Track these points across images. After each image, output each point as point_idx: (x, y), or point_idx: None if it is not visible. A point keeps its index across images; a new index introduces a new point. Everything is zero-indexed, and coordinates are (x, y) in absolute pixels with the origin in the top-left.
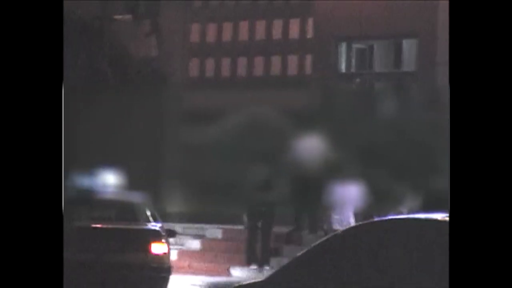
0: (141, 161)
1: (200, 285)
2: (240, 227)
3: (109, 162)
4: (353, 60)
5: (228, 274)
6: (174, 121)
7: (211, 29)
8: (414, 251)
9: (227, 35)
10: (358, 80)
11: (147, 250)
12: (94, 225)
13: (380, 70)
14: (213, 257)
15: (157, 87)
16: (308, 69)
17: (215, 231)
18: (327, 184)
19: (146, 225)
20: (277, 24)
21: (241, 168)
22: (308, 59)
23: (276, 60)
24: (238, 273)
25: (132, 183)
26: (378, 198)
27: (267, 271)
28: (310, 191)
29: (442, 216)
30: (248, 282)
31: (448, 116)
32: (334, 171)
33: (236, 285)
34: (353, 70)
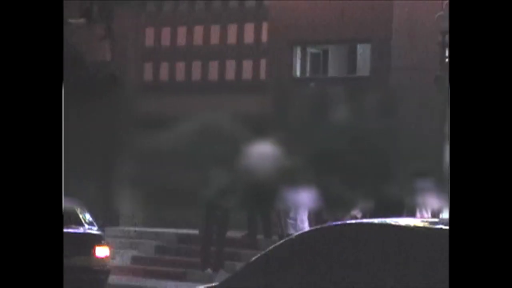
0: (94, 166)
1: None
2: (195, 231)
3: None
4: (308, 65)
5: (183, 278)
6: (128, 126)
7: (166, 33)
8: (367, 255)
9: (181, 40)
10: (312, 84)
11: (90, 253)
12: None
13: (335, 75)
14: (168, 261)
15: (110, 91)
16: (263, 74)
17: (170, 236)
18: (282, 189)
19: (87, 229)
20: (232, 29)
21: (195, 173)
22: (263, 63)
23: (230, 65)
24: (193, 277)
25: (84, 189)
26: (332, 203)
27: (222, 276)
28: (265, 196)
29: (395, 220)
30: (202, 286)
31: (401, 122)
32: (288, 176)
33: None
34: (307, 74)
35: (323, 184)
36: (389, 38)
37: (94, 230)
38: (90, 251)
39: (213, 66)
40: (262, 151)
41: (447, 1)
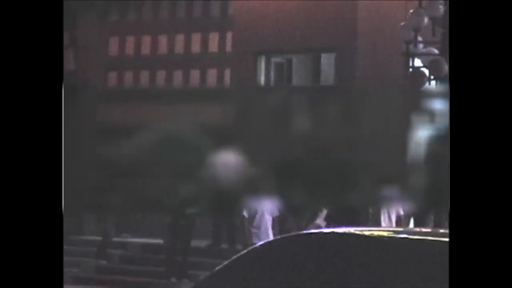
0: None
1: None
2: (159, 241)
3: None
4: (272, 74)
5: (150, 287)
6: (91, 134)
7: (130, 42)
8: (331, 265)
9: (146, 49)
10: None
11: None
12: None
13: (299, 84)
14: (133, 271)
15: (74, 100)
16: (227, 83)
17: (135, 245)
18: (245, 198)
19: None
20: (196, 38)
21: (159, 182)
22: (227, 73)
23: (195, 74)
24: (158, 287)
25: None
26: (296, 212)
27: (185, 285)
28: (229, 205)
29: (359, 229)
30: None
31: (364, 130)
32: (252, 185)
33: None
34: (271, 84)
35: (287, 193)
36: (354, 48)
37: None
38: None
39: (177, 75)
40: (226, 160)
41: (411, 11)
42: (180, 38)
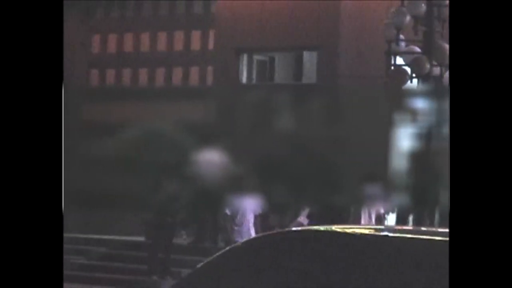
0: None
1: None
2: (141, 238)
3: None
4: (254, 72)
5: (131, 285)
6: (73, 132)
7: (112, 40)
8: (312, 262)
9: (128, 47)
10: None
11: None
12: None
13: (281, 82)
14: (115, 268)
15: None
16: (209, 81)
17: (117, 243)
18: (228, 196)
19: None
20: (179, 36)
21: (142, 180)
22: (210, 70)
23: (177, 72)
24: (141, 284)
25: None
26: (278, 210)
27: (168, 282)
28: (211, 203)
29: (341, 227)
30: None
31: (347, 128)
32: (234, 183)
33: None
34: (254, 81)
35: (270, 191)
36: (336, 46)
37: None
38: None
39: (160, 73)
40: (209, 158)
41: (393, 10)
42: (162, 36)
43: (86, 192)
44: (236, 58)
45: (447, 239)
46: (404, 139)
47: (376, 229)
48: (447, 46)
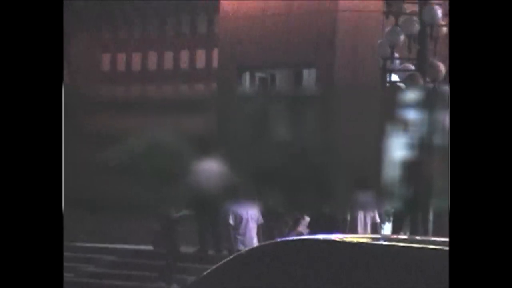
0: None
1: None
2: (147, 247)
3: None
4: (256, 88)
5: None
6: (81, 143)
7: (121, 58)
8: (314, 271)
9: (136, 65)
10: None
11: None
12: None
13: (282, 97)
14: (124, 275)
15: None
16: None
17: (125, 251)
18: (231, 206)
19: None
20: (184, 55)
21: (147, 190)
22: (214, 87)
23: (184, 88)
24: None
25: None
26: (279, 220)
27: None
28: (215, 212)
29: (339, 237)
30: None
31: (341, 140)
32: (237, 193)
33: None
34: (255, 97)
35: (270, 201)
36: (332, 63)
37: None
38: None
39: (168, 89)
40: (211, 168)
41: (388, 29)
42: (169, 55)
43: (95, 203)
44: (239, 76)
45: (440, 247)
46: (397, 148)
47: (373, 238)
48: (440, 63)
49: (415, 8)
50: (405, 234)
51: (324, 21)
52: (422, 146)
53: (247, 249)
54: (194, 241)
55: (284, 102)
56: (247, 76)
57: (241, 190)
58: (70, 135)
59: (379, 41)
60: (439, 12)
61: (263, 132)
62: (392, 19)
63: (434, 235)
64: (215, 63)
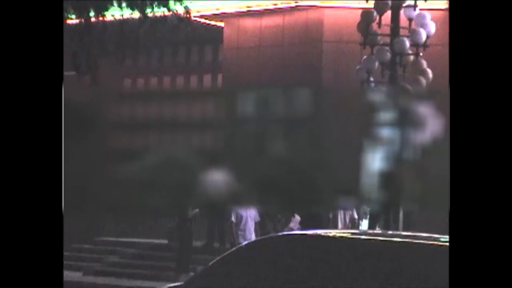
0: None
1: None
2: (160, 241)
3: None
4: (254, 107)
5: (157, 279)
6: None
7: (140, 82)
8: (302, 259)
9: (153, 87)
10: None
11: None
12: None
13: (276, 115)
14: (143, 265)
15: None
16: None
17: (144, 244)
18: (233, 208)
19: None
20: (193, 78)
21: (164, 195)
22: (219, 107)
23: (194, 107)
24: (164, 278)
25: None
26: (273, 218)
27: (186, 276)
28: (220, 213)
29: (324, 231)
30: (171, 285)
31: (327, 154)
32: (239, 197)
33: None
34: (254, 114)
35: (266, 203)
36: (320, 85)
37: None
38: None
39: (180, 108)
40: (217, 178)
41: (365, 57)
42: (180, 79)
43: (120, 206)
44: (240, 97)
45: (408, 240)
46: (373, 161)
47: (351, 233)
48: (408, 86)
49: (387, 40)
50: (379, 229)
51: (311, 50)
52: (394, 159)
53: (246, 242)
54: (202, 236)
55: (278, 121)
56: (247, 98)
57: (242, 194)
58: (98, 151)
59: (357, 67)
60: (407, 43)
61: (261, 147)
62: (368, 49)
63: (404, 230)
64: (219, 86)
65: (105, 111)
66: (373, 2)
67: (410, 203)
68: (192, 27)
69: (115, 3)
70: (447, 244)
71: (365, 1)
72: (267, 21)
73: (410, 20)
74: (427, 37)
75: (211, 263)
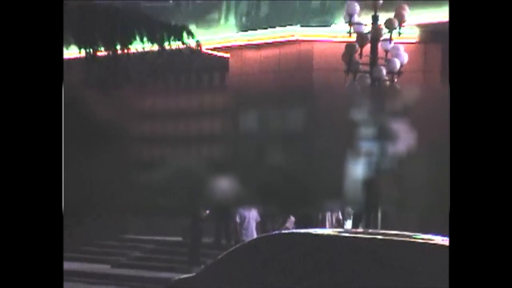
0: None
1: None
2: (175, 238)
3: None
4: (256, 126)
5: (172, 270)
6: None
7: (158, 103)
8: (296, 254)
9: (170, 107)
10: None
11: None
12: None
13: (274, 131)
14: (160, 259)
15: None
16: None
17: (161, 241)
18: (237, 210)
19: None
20: (204, 100)
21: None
22: (226, 124)
23: (205, 124)
24: (179, 270)
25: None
26: (272, 219)
27: (197, 268)
28: (226, 213)
29: (314, 230)
30: (182, 277)
31: (319, 164)
32: (243, 200)
33: (175, 279)
34: (256, 131)
35: (266, 206)
36: (311, 107)
37: None
38: None
39: (192, 125)
40: (224, 184)
41: (348, 83)
42: (192, 100)
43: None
44: (244, 116)
45: (388, 237)
46: (357, 170)
47: (338, 231)
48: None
49: (367, 68)
50: (361, 228)
51: (303, 76)
52: (374, 168)
53: (249, 240)
54: (211, 234)
55: (276, 135)
56: (249, 116)
57: (245, 198)
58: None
59: (341, 92)
60: (384, 71)
61: (261, 158)
62: (351, 75)
63: (382, 229)
64: (226, 107)
65: (130, 127)
66: (355, 36)
67: (387, 205)
68: (203, 57)
69: (137, 38)
70: (423, 240)
71: (348, 35)
72: (266, 52)
73: (386, 51)
74: (401, 65)
75: (219, 257)
